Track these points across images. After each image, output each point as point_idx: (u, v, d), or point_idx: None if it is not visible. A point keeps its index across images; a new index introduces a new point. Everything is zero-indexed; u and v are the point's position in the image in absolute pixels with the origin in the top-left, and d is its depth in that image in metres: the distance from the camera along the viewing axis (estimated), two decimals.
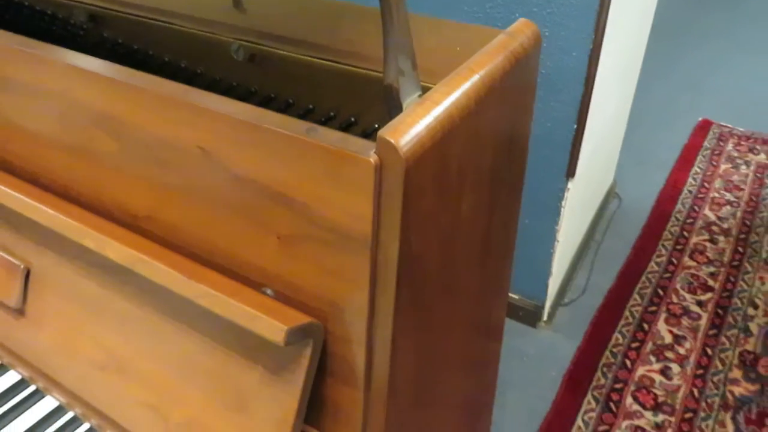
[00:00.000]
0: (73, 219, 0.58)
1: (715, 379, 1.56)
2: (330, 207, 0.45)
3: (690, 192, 2.20)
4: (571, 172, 1.41)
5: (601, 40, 1.21)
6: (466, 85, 0.47)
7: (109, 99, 0.54)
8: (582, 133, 1.34)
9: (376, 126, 0.54)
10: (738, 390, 1.53)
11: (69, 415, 0.68)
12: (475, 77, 0.48)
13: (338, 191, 0.44)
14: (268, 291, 0.53)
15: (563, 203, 1.46)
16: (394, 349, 0.50)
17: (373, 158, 0.42)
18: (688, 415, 1.48)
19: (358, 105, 0.55)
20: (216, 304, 0.49)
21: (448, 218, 0.50)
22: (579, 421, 1.47)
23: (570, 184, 1.43)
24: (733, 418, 1.47)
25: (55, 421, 0.68)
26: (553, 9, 1.22)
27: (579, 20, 1.20)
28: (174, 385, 0.58)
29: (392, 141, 0.41)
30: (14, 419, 0.68)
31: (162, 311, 0.58)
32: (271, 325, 0.47)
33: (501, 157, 0.55)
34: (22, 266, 0.67)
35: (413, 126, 0.43)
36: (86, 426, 0.67)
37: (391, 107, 0.45)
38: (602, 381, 1.57)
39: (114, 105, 0.54)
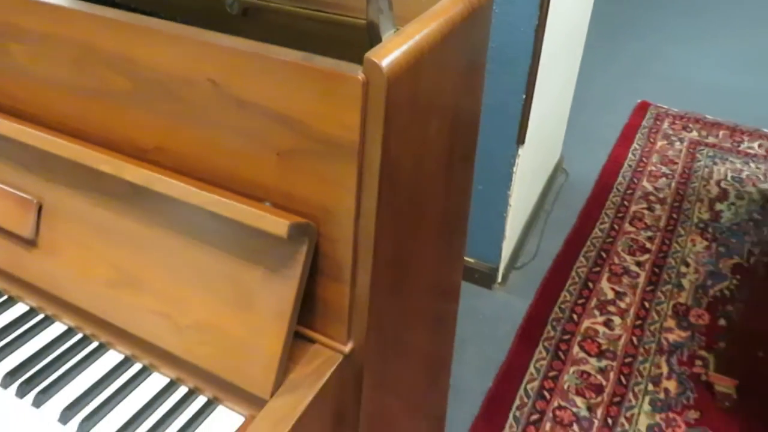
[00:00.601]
0: (89, 149, 0.66)
1: (652, 328, 1.72)
2: (323, 122, 0.55)
3: (630, 166, 2.37)
4: (521, 139, 1.53)
5: (546, 18, 1.34)
6: (433, 25, 0.58)
7: (125, 42, 0.62)
8: (530, 103, 1.47)
9: None
10: (672, 337, 1.70)
11: (78, 336, 0.76)
12: (441, 19, 0.59)
13: (331, 107, 0.54)
14: (267, 203, 0.62)
15: (515, 169, 1.59)
16: (376, 246, 0.60)
17: (361, 76, 0.52)
18: (628, 360, 1.63)
19: (342, 50, 0.65)
20: (226, 208, 0.58)
21: (418, 135, 0.60)
22: (531, 369, 1.61)
23: (520, 151, 1.56)
24: (668, 361, 1.63)
25: (65, 343, 0.75)
26: None
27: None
28: (183, 293, 0.67)
29: (377, 62, 0.51)
30: (21, 346, 0.75)
31: (170, 227, 0.66)
32: (276, 222, 0.56)
33: (461, 87, 0.66)
34: (35, 201, 0.74)
35: (392, 52, 0.53)
36: (95, 344, 0.75)
37: (373, 39, 0.55)
38: (552, 333, 1.71)
39: (130, 48, 0.62)
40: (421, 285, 0.77)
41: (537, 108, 1.55)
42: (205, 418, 0.67)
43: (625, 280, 1.88)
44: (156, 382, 0.71)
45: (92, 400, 0.69)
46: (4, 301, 0.80)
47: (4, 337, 0.75)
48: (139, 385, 0.71)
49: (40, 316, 0.78)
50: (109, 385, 0.70)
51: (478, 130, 0.79)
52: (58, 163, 0.71)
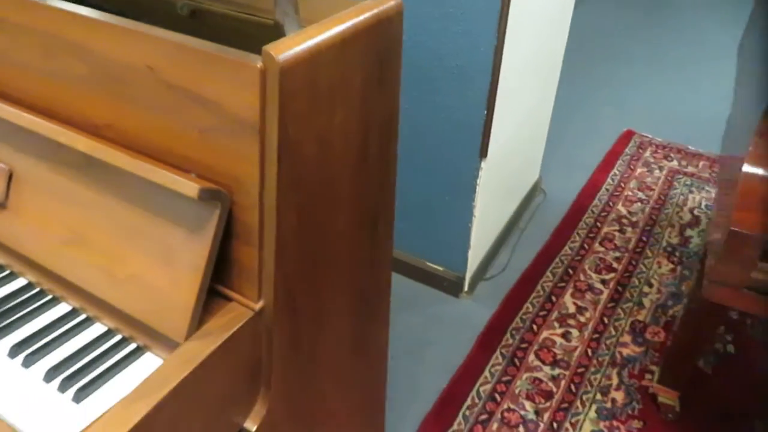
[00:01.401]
0: (52, 124, 0.77)
1: (608, 342, 1.79)
2: (233, 103, 0.66)
3: (607, 190, 2.45)
4: (483, 153, 1.63)
5: (503, 38, 1.45)
6: (335, 28, 0.69)
7: (84, 33, 0.74)
8: (491, 118, 1.57)
9: None
10: (626, 351, 1.76)
11: (37, 289, 0.87)
12: (343, 24, 0.70)
13: (239, 91, 0.65)
14: (193, 174, 0.73)
15: (478, 181, 1.69)
16: (279, 214, 0.71)
17: (260, 65, 0.63)
18: (580, 370, 1.70)
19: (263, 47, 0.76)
20: (153, 174, 0.69)
21: (322, 121, 0.71)
22: (486, 373, 1.68)
23: (483, 164, 1.65)
24: (619, 373, 1.69)
25: (25, 294, 0.86)
26: (464, 10, 1.45)
27: (485, 20, 1.44)
28: (120, 250, 0.77)
29: (272, 53, 0.62)
30: None
31: (112, 193, 0.77)
32: (189, 185, 0.67)
33: (369, 86, 0.77)
34: (6, 168, 0.86)
35: (290, 46, 0.63)
36: (50, 297, 0.86)
37: (280, 37, 0.66)
38: (510, 341, 1.78)
39: (87, 37, 0.74)
40: (338, 263, 0.87)
41: (501, 125, 1.65)
42: (133, 361, 0.77)
43: (588, 296, 1.95)
44: (97, 330, 0.81)
45: (40, 341, 0.79)
46: None
47: None
48: (82, 331, 0.81)
49: (6, 272, 0.89)
50: (56, 330, 0.81)
51: (396, 129, 0.89)
52: (27, 136, 0.83)
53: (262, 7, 0.78)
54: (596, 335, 1.81)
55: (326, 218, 0.81)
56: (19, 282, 0.88)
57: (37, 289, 0.87)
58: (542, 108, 2.09)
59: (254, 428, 0.82)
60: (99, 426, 0.63)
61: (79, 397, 0.73)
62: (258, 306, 0.76)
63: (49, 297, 0.86)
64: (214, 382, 0.74)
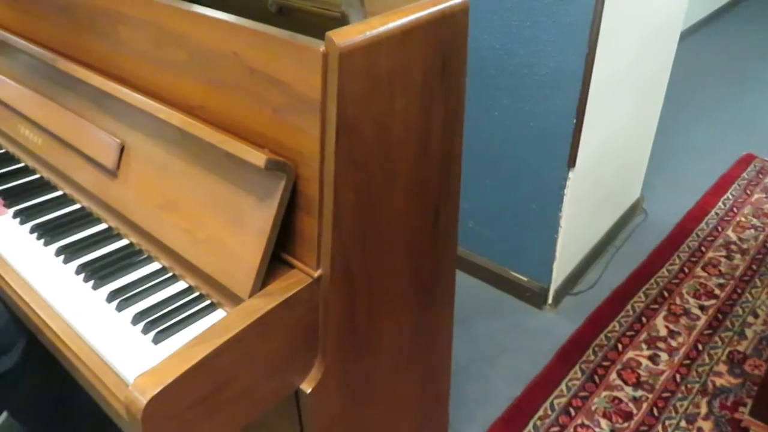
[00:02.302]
0: (156, 103, 0.90)
1: (700, 369, 1.69)
2: (301, 84, 0.74)
3: (717, 214, 2.32)
4: (572, 163, 1.62)
5: (595, 48, 1.44)
6: (397, 20, 0.75)
7: (186, 24, 0.86)
8: (580, 127, 1.56)
9: None
10: (720, 381, 1.66)
11: (137, 249, 1.00)
12: (406, 17, 0.76)
13: (305, 72, 0.73)
14: (266, 149, 0.82)
15: (565, 191, 1.67)
16: (336, 187, 0.77)
17: (322, 49, 0.70)
18: (666, 395, 1.62)
19: None
20: (229, 146, 0.79)
21: (381, 106, 0.77)
22: (562, 386, 1.65)
23: (571, 174, 1.64)
24: (709, 403, 1.60)
25: (126, 251, 0.99)
26: (555, 19, 1.46)
27: (576, 29, 1.44)
28: (201, 214, 0.88)
29: (333, 38, 0.69)
30: (97, 249, 1.00)
31: (199, 165, 0.88)
32: (258, 156, 0.76)
33: (432, 80, 0.82)
34: (120, 142, 1.00)
35: (350, 34, 0.70)
36: (146, 255, 0.98)
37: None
38: (592, 358, 1.74)
39: (188, 28, 0.86)
40: (396, 246, 0.92)
41: (591, 135, 1.64)
42: (206, 315, 0.87)
43: (683, 320, 1.85)
44: (179, 286, 0.92)
45: (132, 290, 0.91)
46: (91, 219, 1.06)
47: (90, 243, 1.01)
48: (167, 286, 0.92)
49: (115, 233, 1.03)
50: (146, 283, 0.93)
51: (460, 126, 0.94)
52: (136, 114, 0.97)
53: (340, 3, 0.87)
54: (687, 361, 1.71)
55: (385, 200, 0.87)
56: (123, 242, 1.02)
57: (136, 249, 1.00)
58: (643, 123, 2.03)
59: (309, 390, 0.89)
60: (166, 361, 0.73)
61: (157, 339, 0.83)
62: (316, 273, 0.83)
63: (145, 256, 0.98)
64: (273, 338, 0.81)
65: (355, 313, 0.91)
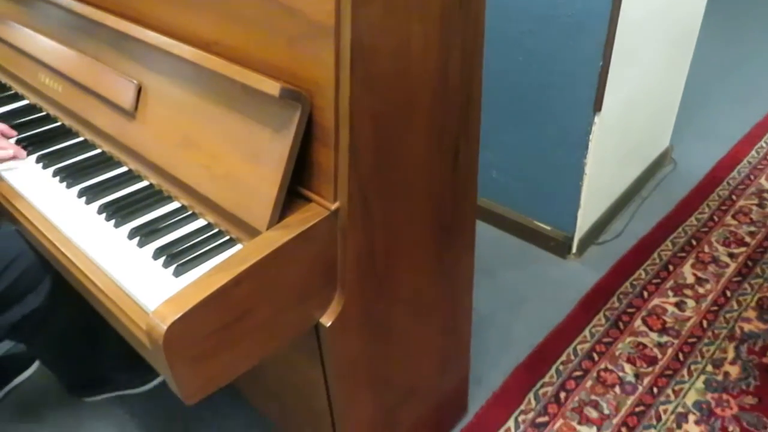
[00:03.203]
0: (169, 39, 0.89)
1: (728, 315, 1.67)
2: (315, 10, 0.72)
3: (749, 163, 2.25)
4: (597, 107, 1.58)
5: None
6: None
7: None
8: (607, 70, 1.51)
9: None
10: (748, 327, 1.63)
11: (157, 189, 1.01)
12: None
13: None
14: (281, 81, 0.81)
15: (591, 137, 1.64)
16: (352, 116, 0.76)
17: None
18: (692, 340, 1.60)
19: None
20: (243, 76, 0.79)
21: (398, 34, 0.75)
22: (586, 332, 1.64)
23: (597, 119, 1.60)
24: (736, 348, 1.57)
25: (147, 191, 1.00)
26: None
27: None
28: (218, 150, 0.88)
29: None
30: (118, 191, 1.01)
31: (215, 101, 0.87)
32: (272, 85, 0.75)
33: (451, 9, 0.79)
34: (136, 83, 1.00)
35: None
36: (167, 195, 0.99)
37: None
38: (616, 305, 1.72)
39: None
40: (414, 180, 0.91)
41: (619, 80, 1.59)
42: (225, 249, 0.88)
43: (711, 268, 1.82)
44: (199, 223, 0.93)
45: (153, 227, 0.92)
46: (112, 163, 1.07)
47: (111, 185, 1.02)
48: (187, 223, 0.93)
49: (135, 175, 1.04)
50: (167, 220, 0.94)
51: (480, 61, 0.91)
52: (152, 53, 0.96)
53: None
54: (715, 308, 1.69)
55: (403, 134, 0.85)
56: (143, 183, 1.03)
57: (156, 189, 1.00)
58: (673, 70, 1.96)
59: (329, 323, 0.90)
60: (185, 290, 0.73)
61: (178, 272, 0.84)
62: (334, 206, 0.82)
63: (165, 195, 0.99)
64: (291, 271, 0.82)
65: (374, 249, 0.91)
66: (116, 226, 0.94)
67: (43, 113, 1.25)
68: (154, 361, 0.80)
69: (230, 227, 0.90)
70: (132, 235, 0.91)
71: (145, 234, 0.90)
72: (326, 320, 0.90)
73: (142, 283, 0.84)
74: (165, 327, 0.69)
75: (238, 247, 0.88)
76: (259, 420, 1.45)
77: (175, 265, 0.84)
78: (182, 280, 0.83)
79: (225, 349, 0.78)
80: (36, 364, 1.60)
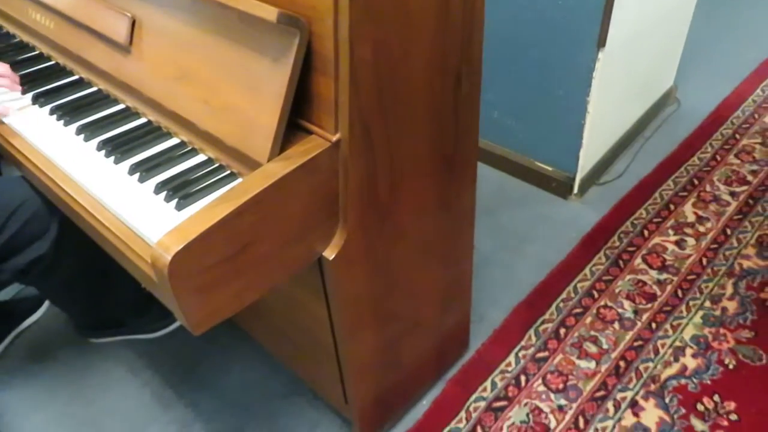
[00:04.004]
0: None
1: (728, 253, 1.67)
2: None
3: (754, 101, 2.22)
4: (601, 42, 1.55)
5: None
6: None
7: None
8: (612, 4, 1.48)
9: None
10: (747, 263, 1.64)
11: (156, 126, 0.99)
12: None
13: None
14: (277, 7, 0.79)
15: (594, 74, 1.61)
16: (352, 43, 0.74)
17: None
18: (691, 277, 1.62)
19: None
20: (242, 4, 0.77)
21: None
22: (586, 271, 1.66)
23: (601, 54, 1.57)
24: (735, 284, 1.59)
25: (146, 128, 0.99)
26: None
27: None
28: (217, 83, 0.86)
29: None
30: (117, 128, 1.00)
31: (212, 31, 0.85)
32: (269, 10, 0.73)
33: None
34: (130, 16, 0.97)
35: None
36: (165, 131, 0.98)
37: None
38: (617, 244, 1.73)
39: None
40: (416, 111, 0.90)
41: (624, 15, 1.55)
42: (227, 183, 0.87)
43: (712, 207, 1.82)
44: (199, 158, 0.92)
45: (153, 162, 0.91)
46: (109, 100, 1.06)
47: (109, 122, 1.01)
48: (188, 159, 0.93)
49: (133, 112, 1.03)
50: (167, 156, 0.93)
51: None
52: None
53: None
54: (715, 245, 1.70)
55: (404, 61, 0.84)
56: (141, 120, 1.01)
57: (155, 125, 0.99)
58: (679, 7, 1.91)
59: (332, 257, 0.90)
60: (188, 221, 0.73)
61: (180, 205, 0.84)
62: (335, 137, 0.82)
63: (164, 132, 0.98)
64: (293, 203, 0.81)
65: (376, 181, 0.90)
66: (116, 162, 0.93)
67: (36, 52, 1.22)
68: (160, 294, 0.80)
69: (231, 162, 0.89)
70: (132, 170, 0.90)
71: (145, 169, 0.90)
72: (329, 253, 0.90)
73: (145, 217, 0.84)
74: (169, 257, 0.70)
75: (239, 181, 0.87)
76: (266, 360, 1.48)
77: (176, 199, 0.84)
78: (184, 213, 0.83)
79: (229, 280, 0.79)
80: (45, 307, 1.62)
